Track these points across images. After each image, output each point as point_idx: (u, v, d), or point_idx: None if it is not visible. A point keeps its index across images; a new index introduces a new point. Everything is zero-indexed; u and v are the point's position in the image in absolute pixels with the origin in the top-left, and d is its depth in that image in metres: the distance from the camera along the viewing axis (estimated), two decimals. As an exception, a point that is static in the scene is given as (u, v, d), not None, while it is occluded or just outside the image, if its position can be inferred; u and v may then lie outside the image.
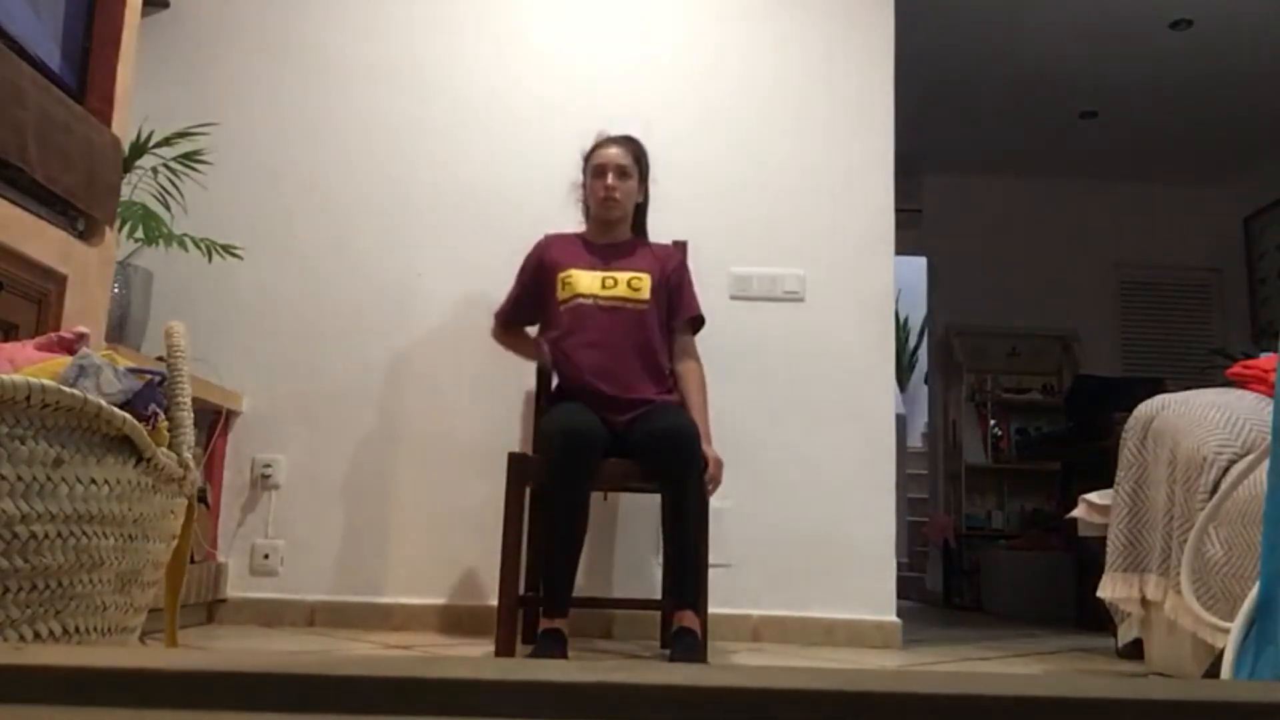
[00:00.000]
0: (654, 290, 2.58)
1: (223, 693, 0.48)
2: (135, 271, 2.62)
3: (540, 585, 2.39)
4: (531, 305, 2.68)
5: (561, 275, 2.59)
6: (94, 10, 1.93)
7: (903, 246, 3.48)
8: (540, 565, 2.39)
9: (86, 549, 1.01)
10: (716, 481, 2.39)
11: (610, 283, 2.56)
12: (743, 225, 3.08)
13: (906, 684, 0.49)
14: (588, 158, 2.66)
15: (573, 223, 2.79)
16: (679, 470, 2.26)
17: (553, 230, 2.76)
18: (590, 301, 2.53)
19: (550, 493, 2.24)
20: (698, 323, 2.68)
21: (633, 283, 2.57)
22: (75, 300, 1.82)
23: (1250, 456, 2.00)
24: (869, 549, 2.91)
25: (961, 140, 5.55)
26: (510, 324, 2.75)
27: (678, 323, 2.64)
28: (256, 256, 2.98)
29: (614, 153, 2.61)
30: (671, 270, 2.65)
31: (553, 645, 2.18)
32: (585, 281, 2.56)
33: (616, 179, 2.59)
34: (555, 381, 2.62)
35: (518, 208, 3.04)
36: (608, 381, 2.46)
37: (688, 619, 2.24)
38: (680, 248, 2.79)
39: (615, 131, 2.68)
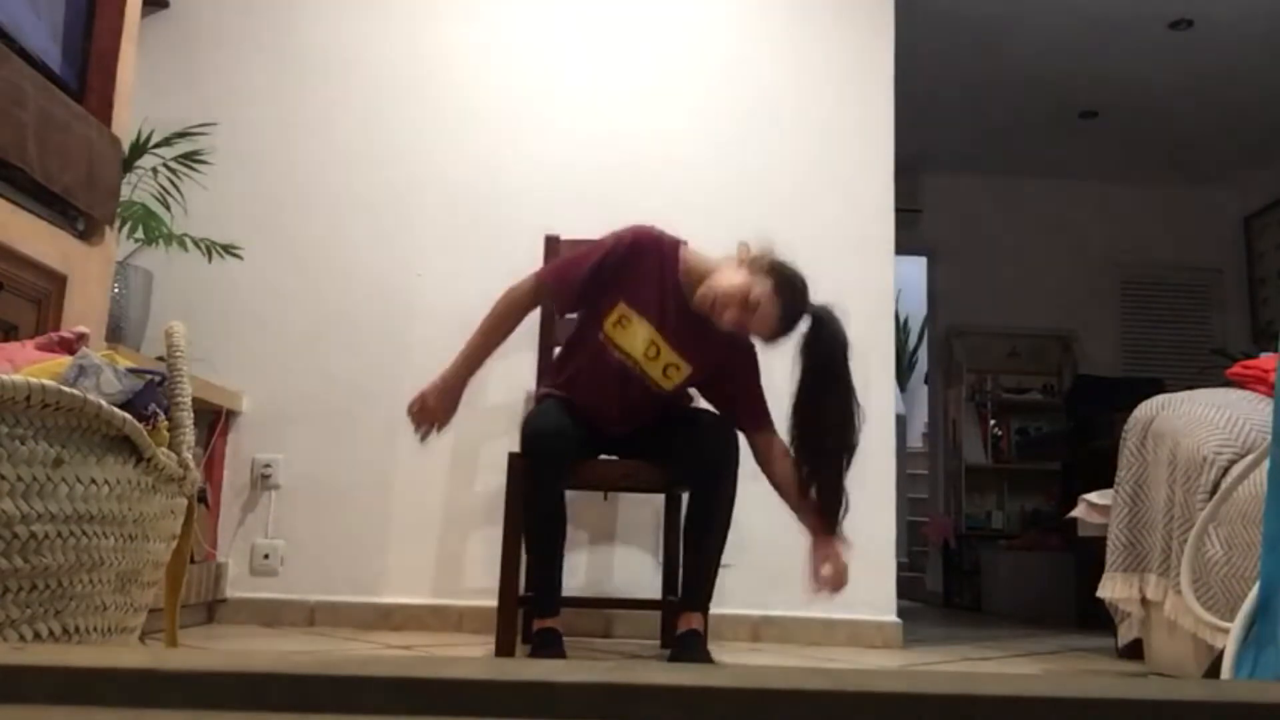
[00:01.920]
0: (684, 384, 2.32)
1: (223, 693, 0.48)
2: (135, 271, 2.62)
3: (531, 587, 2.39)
4: (580, 286, 2.28)
5: (621, 309, 2.26)
6: (94, 10, 1.93)
7: (903, 246, 3.48)
8: (528, 563, 2.37)
9: (86, 549, 1.01)
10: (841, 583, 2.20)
11: (653, 352, 2.27)
12: (742, 225, 3.07)
13: (906, 684, 0.49)
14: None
15: (573, 223, 2.79)
16: (715, 475, 2.22)
17: (565, 236, 2.70)
18: (626, 359, 2.27)
19: (525, 495, 2.23)
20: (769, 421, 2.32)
21: (668, 370, 2.28)
22: (75, 300, 1.82)
23: (1250, 456, 2.00)
24: (869, 549, 2.90)
25: (961, 140, 5.55)
26: (550, 298, 2.36)
27: (747, 426, 2.31)
28: (256, 256, 2.97)
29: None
30: (727, 367, 2.31)
31: (549, 644, 2.18)
32: (638, 338, 2.25)
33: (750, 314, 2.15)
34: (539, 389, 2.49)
35: (518, 208, 3.04)
36: (626, 412, 2.33)
37: (695, 621, 2.23)
38: (748, 349, 2.33)
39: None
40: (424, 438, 2.28)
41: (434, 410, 2.26)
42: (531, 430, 2.21)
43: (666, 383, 2.30)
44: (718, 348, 2.27)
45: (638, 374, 2.28)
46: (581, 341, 2.34)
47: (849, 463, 2.21)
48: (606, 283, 2.26)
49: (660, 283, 2.27)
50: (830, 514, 2.16)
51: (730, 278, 2.16)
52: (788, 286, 2.16)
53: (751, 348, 2.32)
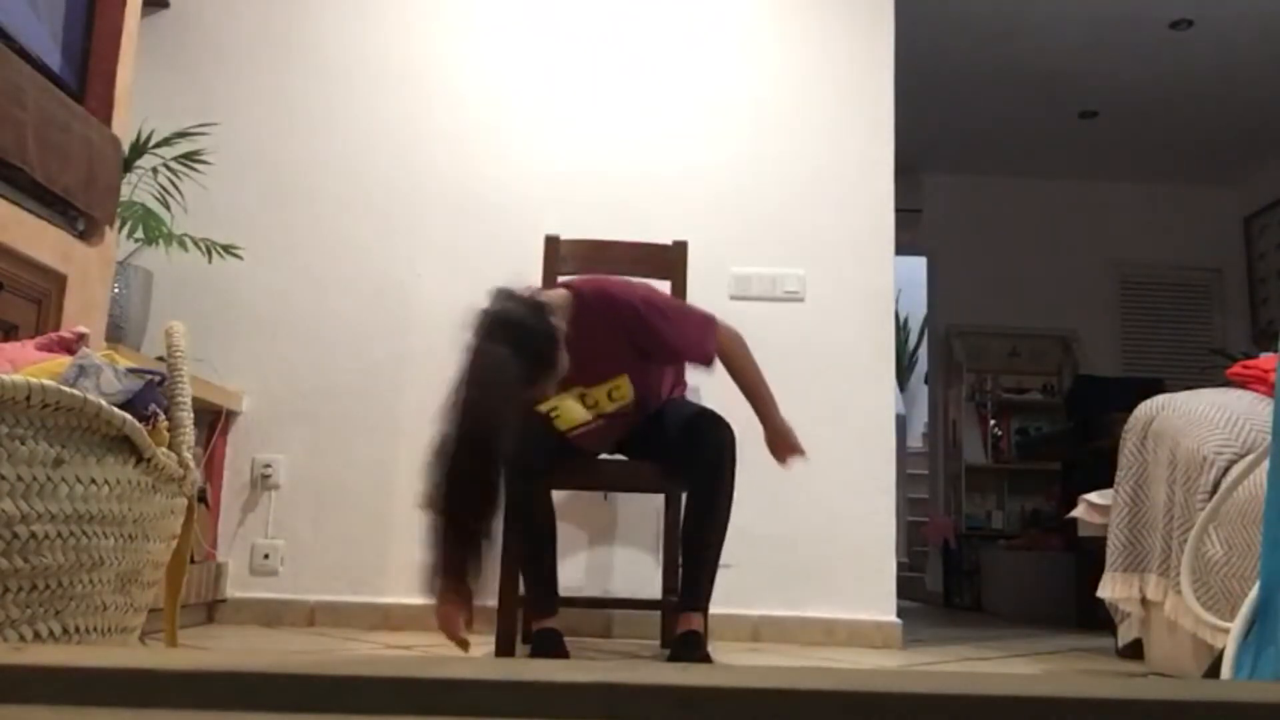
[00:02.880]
0: (637, 389, 2.28)
1: (223, 693, 0.48)
2: (135, 271, 2.62)
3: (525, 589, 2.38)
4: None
5: (548, 407, 2.22)
6: (94, 10, 1.93)
7: (903, 246, 3.48)
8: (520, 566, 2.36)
9: (86, 549, 1.01)
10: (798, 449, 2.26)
11: (591, 401, 2.26)
12: (743, 225, 3.08)
13: (906, 684, 0.49)
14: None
15: (573, 224, 2.79)
16: (713, 475, 2.23)
17: (565, 237, 2.69)
18: (591, 425, 2.27)
19: (508, 506, 2.19)
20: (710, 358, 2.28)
21: (613, 394, 2.27)
22: (75, 300, 1.82)
23: (1250, 456, 2.00)
24: (869, 549, 2.91)
25: (961, 140, 5.55)
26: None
27: (698, 356, 2.27)
28: (256, 256, 2.97)
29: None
30: (638, 338, 2.20)
31: (550, 643, 2.18)
32: (577, 413, 2.24)
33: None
34: None
35: (518, 209, 3.03)
36: (608, 446, 2.42)
37: (695, 622, 2.23)
38: (607, 292, 2.25)
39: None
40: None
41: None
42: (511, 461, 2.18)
43: (621, 400, 2.25)
44: (613, 340, 2.18)
45: (604, 421, 2.26)
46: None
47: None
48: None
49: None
50: None
51: None
52: (500, 332, 1.97)
53: (630, 304, 2.17)
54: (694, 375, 2.88)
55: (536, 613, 2.25)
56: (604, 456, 2.42)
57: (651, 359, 2.28)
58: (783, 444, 2.29)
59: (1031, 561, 4.92)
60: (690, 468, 2.26)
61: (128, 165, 2.60)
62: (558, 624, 2.24)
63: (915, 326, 7.85)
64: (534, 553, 2.25)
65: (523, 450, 2.14)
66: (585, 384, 2.22)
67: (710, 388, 2.97)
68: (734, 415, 2.81)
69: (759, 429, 2.54)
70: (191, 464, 1.18)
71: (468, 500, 1.86)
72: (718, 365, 2.27)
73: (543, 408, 2.20)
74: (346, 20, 3.15)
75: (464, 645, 1.93)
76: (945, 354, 5.97)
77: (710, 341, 2.24)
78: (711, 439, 2.25)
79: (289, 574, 2.85)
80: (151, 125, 2.81)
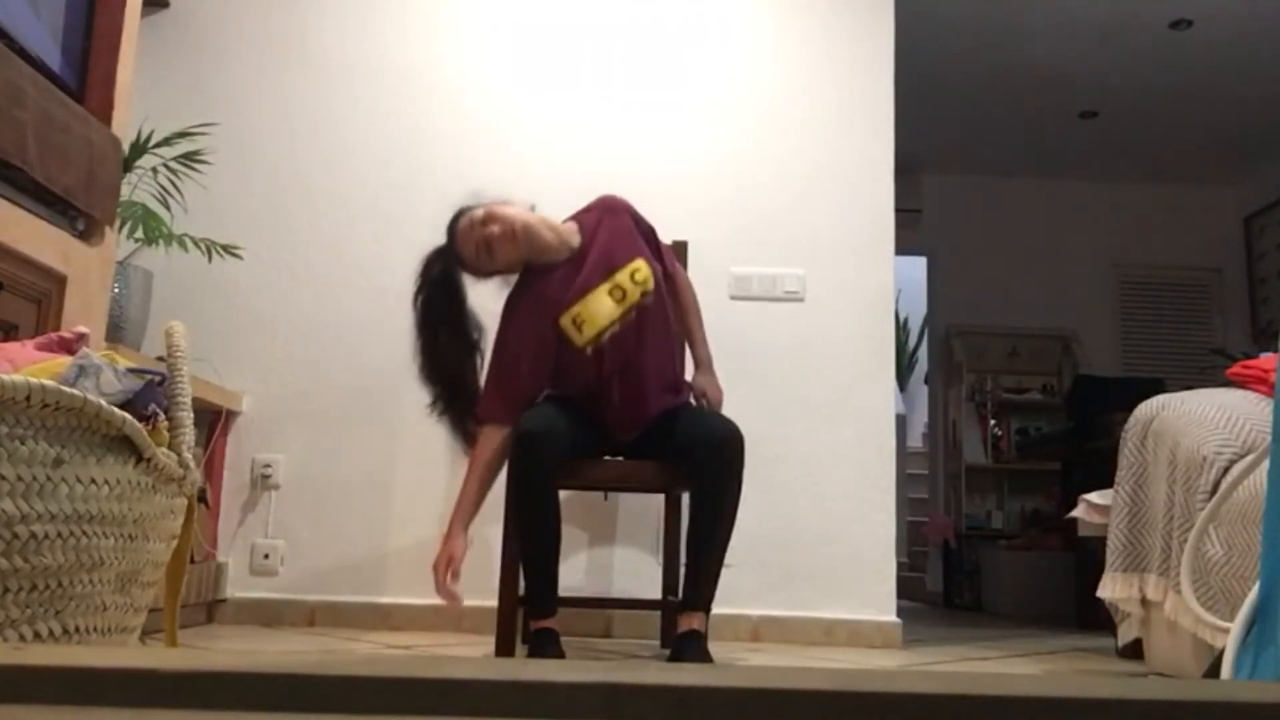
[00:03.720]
0: (656, 274, 2.39)
1: (223, 693, 0.48)
2: (135, 271, 2.62)
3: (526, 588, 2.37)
4: (544, 374, 2.33)
5: (571, 316, 2.28)
6: (94, 10, 1.93)
7: (903, 246, 3.48)
8: (521, 564, 2.35)
9: (86, 549, 1.01)
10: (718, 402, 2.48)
11: (619, 294, 2.32)
12: (743, 225, 3.08)
13: (906, 684, 0.49)
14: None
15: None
16: (723, 475, 2.22)
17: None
18: (618, 327, 2.29)
19: (517, 497, 2.21)
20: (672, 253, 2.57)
21: (635, 275, 2.34)
22: (75, 300, 1.82)
23: (1250, 456, 2.00)
24: (869, 549, 2.91)
25: (961, 140, 5.55)
26: (518, 413, 2.24)
27: (666, 263, 2.50)
28: (256, 256, 2.98)
29: (482, 234, 2.29)
30: (631, 222, 2.44)
31: (547, 644, 2.18)
32: (605, 309, 2.30)
33: (497, 228, 2.28)
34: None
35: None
36: (630, 407, 2.34)
37: (696, 621, 2.22)
38: (606, 201, 2.48)
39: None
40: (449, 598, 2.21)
41: (453, 587, 2.22)
42: (522, 430, 2.18)
43: (647, 286, 2.34)
44: (623, 228, 2.41)
45: (630, 323, 2.31)
46: (574, 371, 2.32)
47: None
48: (538, 331, 2.30)
49: (550, 275, 2.34)
50: None
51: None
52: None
53: (628, 206, 2.47)
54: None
55: (537, 613, 2.24)
56: (605, 457, 2.42)
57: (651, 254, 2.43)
58: (714, 386, 2.48)
59: (1031, 561, 4.92)
60: (699, 468, 2.25)
61: (128, 165, 2.60)
62: (556, 625, 2.24)
63: (915, 326, 7.85)
64: (539, 552, 2.23)
65: (543, 440, 2.16)
66: (610, 271, 2.33)
67: (710, 388, 2.97)
68: (732, 418, 2.82)
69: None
70: (191, 464, 1.18)
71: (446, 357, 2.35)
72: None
73: (569, 315, 2.28)
74: (346, 20, 3.15)
75: (455, 600, 2.19)
76: (945, 354, 5.98)
77: (673, 260, 2.55)
78: (721, 439, 2.25)
79: (289, 574, 2.85)
80: (151, 125, 2.81)
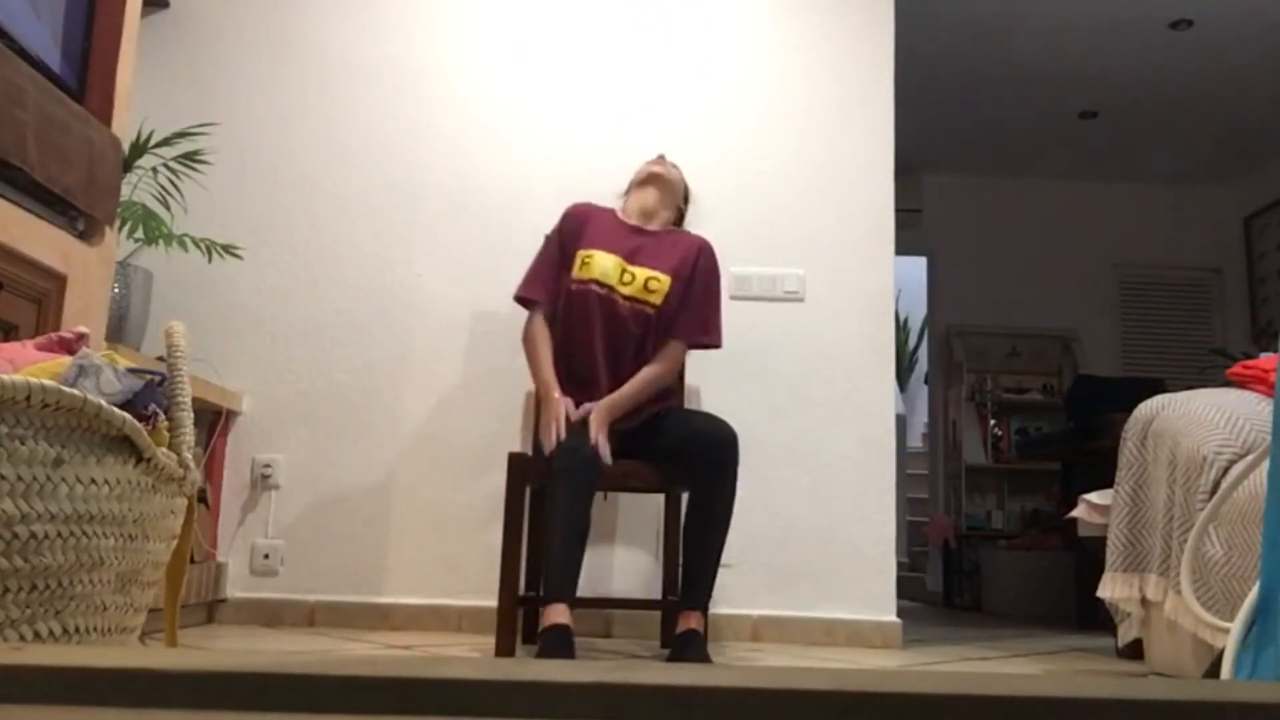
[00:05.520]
0: (668, 296, 2.49)
1: (223, 693, 0.48)
2: (135, 271, 2.62)
3: (541, 581, 2.34)
4: (554, 277, 2.55)
5: (582, 254, 2.51)
6: (94, 10, 1.93)
7: (903, 246, 3.48)
8: (544, 559, 2.31)
9: (86, 549, 1.01)
10: (598, 425, 2.34)
11: (628, 278, 2.49)
12: (743, 225, 3.08)
13: (906, 684, 0.49)
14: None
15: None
16: (717, 475, 2.26)
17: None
18: (604, 291, 2.47)
19: (557, 509, 2.19)
20: (706, 346, 2.57)
21: (650, 284, 2.49)
22: (75, 300, 1.82)
23: (1250, 456, 2.00)
24: (869, 549, 2.91)
25: (961, 140, 5.55)
26: (544, 306, 2.52)
27: (679, 331, 2.51)
28: (256, 256, 2.98)
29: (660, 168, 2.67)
30: (697, 272, 2.54)
31: (559, 643, 2.06)
32: (608, 270, 2.48)
33: (663, 168, 2.65)
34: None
35: (518, 209, 3.04)
36: (613, 382, 2.42)
37: (695, 620, 2.22)
38: (709, 253, 2.61)
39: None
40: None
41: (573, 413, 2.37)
42: (568, 456, 2.22)
43: (654, 297, 2.48)
44: (685, 253, 2.55)
45: (621, 302, 2.46)
46: (566, 302, 2.49)
47: None
48: (566, 249, 2.57)
49: (605, 226, 2.57)
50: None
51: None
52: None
53: (713, 258, 2.59)
54: (695, 375, 2.88)
55: (554, 598, 2.12)
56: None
57: (683, 301, 2.52)
58: (602, 412, 2.35)
59: (1031, 561, 4.92)
60: (694, 468, 2.27)
61: (128, 165, 2.60)
62: (570, 621, 2.12)
63: (915, 326, 7.85)
64: (568, 548, 2.19)
65: (587, 469, 2.23)
66: (638, 260, 2.52)
67: (710, 389, 2.99)
68: (733, 418, 2.82)
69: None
70: (191, 464, 1.18)
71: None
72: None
73: (586, 251, 2.51)
74: (346, 20, 3.15)
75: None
76: (945, 354, 5.98)
77: (716, 332, 2.56)
78: (715, 439, 2.26)
79: (289, 574, 2.85)
80: (151, 125, 2.81)
